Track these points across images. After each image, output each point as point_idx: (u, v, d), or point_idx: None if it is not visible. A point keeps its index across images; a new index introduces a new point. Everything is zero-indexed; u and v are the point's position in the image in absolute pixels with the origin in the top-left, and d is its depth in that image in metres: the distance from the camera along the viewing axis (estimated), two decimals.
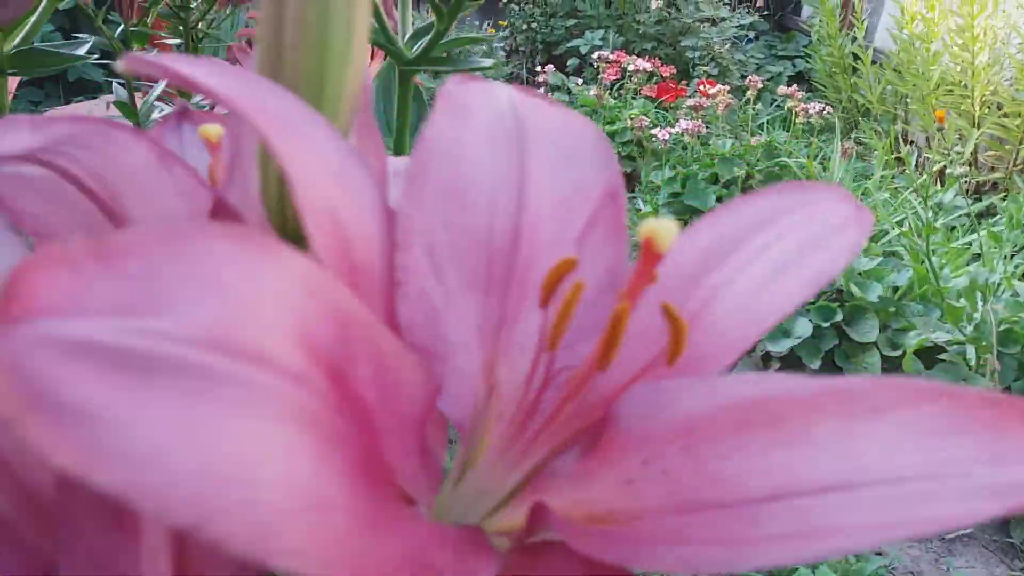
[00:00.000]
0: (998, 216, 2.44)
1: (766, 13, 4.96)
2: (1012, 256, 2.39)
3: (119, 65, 0.15)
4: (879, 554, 1.57)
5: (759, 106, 3.52)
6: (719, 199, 2.86)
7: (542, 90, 3.79)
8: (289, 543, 0.10)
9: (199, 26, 1.41)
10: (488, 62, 0.66)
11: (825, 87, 4.09)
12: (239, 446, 0.10)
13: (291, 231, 0.19)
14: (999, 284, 1.64)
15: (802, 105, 3.12)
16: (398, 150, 0.66)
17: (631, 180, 3.39)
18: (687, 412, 0.19)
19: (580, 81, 3.99)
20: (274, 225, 0.19)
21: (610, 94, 3.70)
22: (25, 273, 0.10)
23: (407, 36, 0.67)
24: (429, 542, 0.15)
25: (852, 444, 0.16)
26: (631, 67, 3.64)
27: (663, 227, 0.20)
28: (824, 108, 3.14)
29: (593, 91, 3.57)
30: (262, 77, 0.18)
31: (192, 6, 1.38)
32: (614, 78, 3.83)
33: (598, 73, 3.89)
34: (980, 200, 3.00)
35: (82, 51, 0.66)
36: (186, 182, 0.23)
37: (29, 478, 0.17)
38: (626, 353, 0.20)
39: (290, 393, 0.11)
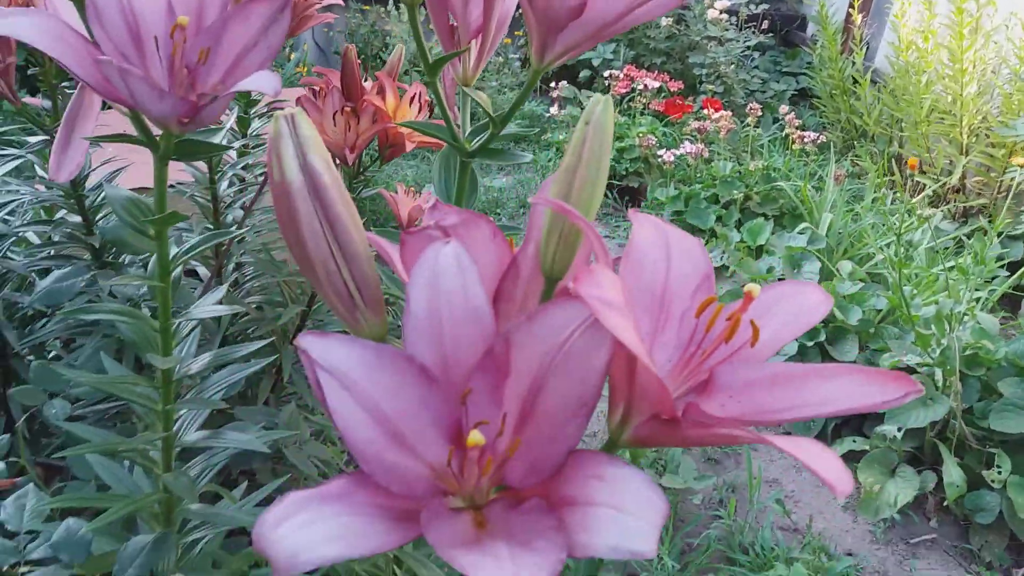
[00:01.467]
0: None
1: (771, 32, 5.11)
2: (988, 282, 2.57)
3: (537, 199, 0.46)
4: (849, 555, 1.76)
5: (759, 130, 3.69)
6: (719, 218, 3.04)
7: (555, 106, 3.96)
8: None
9: None
10: (527, 157, 0.84)
11: (825, 107, 4.26)
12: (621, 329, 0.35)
13: (554, 275, 0.47)
14: (964, 314, 1.82)
15: (799, 133, 3.30)
16: None
17: (637, 195, 3.58)
18: (749, 376, 0.45)
19: (591, 95, 4.16)
20: (544, 272, 0.47)
21: (619, 109, 3.88)
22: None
23: (467, 132, 0.85)
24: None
25: (822, 388, 0.42)
26: (640, 86, 3.81)
27: (757, 287, 0.46)
28: (819, 136, 3.31)
29: None
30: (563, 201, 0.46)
31: None
32: (624, 91, 4.00)
33: (609, 88, 4.06)
34: (967, 223, 3.18)
35: (217, 139, 0.85)
36: (500, 248, 0.48)
37: (455, 363, 0.42)
38: (722, 349, 0.46)
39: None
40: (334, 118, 1.29)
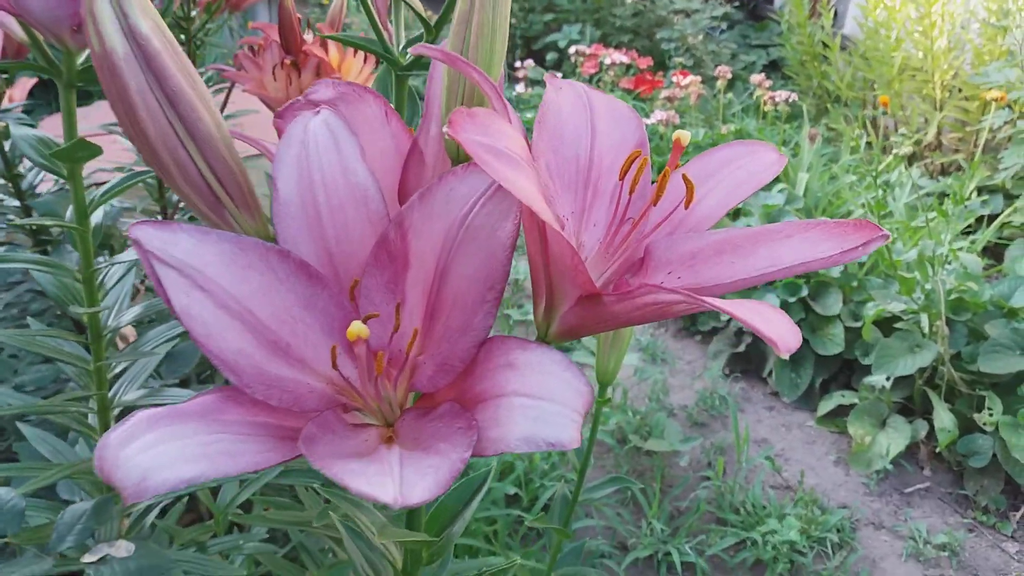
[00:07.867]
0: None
1: (738, 4, 5.08)
2: (967, 234, 2.53)
3: (419, 47, 0.39)
4: (843, 507, 1.71)
5: (731, 95, 3.65)
6: None
7: (521, 85, 3.90)
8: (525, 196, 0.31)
9: (199, 35, 1.53)
10: None
11: (796, 74, 4.22)
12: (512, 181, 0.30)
13: (461, 157, 0.41)
14: (947, 256, 1.77)
15: (769, 94, 3.25)
16: None
17: None
18: (689, 248, 0.40)
19: (559, 75, 4.11)
20: (451, 154, 0.41)
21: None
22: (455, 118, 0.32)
23: (401, 46, 0.79)
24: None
25: (774, 250, 0.36)
26: (608, 60, 3.76)
27: (684, 133, 0.42)
28: (790, 96, 3.27)
29: None
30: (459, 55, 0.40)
31: (192, 15, 1.50)
32: (592, 71, 3.94)
33: (576, 67, 4.01)
34: (944, 180, 3.14)
35: None
36: (397, 130, 0.42)
37: (343, 256, 0.37)
38: (652, 215, 0.41)
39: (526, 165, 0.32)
40: (274, 72, 1.23)
